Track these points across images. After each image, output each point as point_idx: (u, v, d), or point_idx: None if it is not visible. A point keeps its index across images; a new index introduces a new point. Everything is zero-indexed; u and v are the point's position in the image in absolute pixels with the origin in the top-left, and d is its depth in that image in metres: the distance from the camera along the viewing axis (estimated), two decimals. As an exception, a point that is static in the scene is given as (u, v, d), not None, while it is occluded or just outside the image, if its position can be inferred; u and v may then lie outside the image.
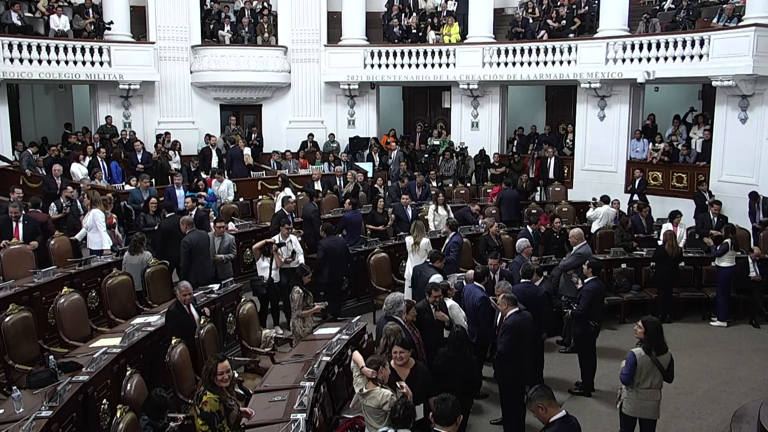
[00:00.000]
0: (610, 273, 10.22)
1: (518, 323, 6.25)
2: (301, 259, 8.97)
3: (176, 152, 14.52)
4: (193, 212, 9.90)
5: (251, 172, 14.25)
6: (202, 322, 6.71)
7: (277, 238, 8.86)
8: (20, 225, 9.07)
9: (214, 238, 8.96)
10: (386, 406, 4.86)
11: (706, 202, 12.28)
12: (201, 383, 5.01)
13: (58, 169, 11.64)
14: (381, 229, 10.97)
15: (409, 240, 9.21)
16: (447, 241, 9.42)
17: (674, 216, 10.90)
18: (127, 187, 12.30)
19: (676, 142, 14.73)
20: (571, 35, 15.65)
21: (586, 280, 7.67)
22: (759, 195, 11.94)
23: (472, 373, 6.51)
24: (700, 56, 13.21)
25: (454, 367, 5.90)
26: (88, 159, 13.27)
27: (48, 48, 14.10)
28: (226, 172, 13.49)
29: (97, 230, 9.44)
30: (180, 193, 11.34)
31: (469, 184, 15.22)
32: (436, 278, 7.51)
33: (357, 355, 5.32)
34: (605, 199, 11.87)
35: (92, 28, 15.02)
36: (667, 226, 10.73)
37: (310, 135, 16.63)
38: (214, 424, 4.76)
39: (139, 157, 13.81)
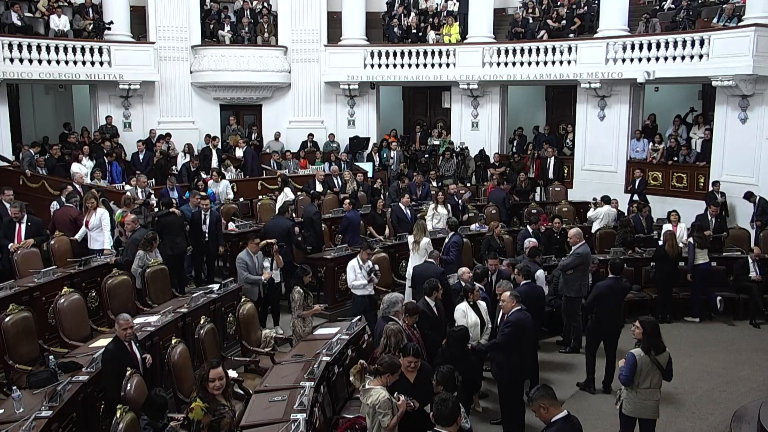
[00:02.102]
0: (610, 273, 10.21)
1: (521, 320, 6.29)
2: (376, 279, 8.63)
3: (185, 154, 14.46)
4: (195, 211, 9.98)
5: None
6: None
7: (357, 260, 8.42)
8: (23, 227, 9.01)
9: (252, 254, 8.52)
10: (378, 407, 4.86)
11: (718, 203, 12.22)
12: (194, 388, 5.00)
13: (81, 176, 11.74)
14: (380, 238, 10.91)
15: (410, 239, 9.23)
16: (447, 240, 9.43)
17: (669, 215, 10.94)
18: (127, 187, 12.28)
19: (681, 141, 14.74)
20: (571, 35, 15.64)
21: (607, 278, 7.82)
22: (754, 194, 11.89)
23: (472, 373, 6.52)
24: (700, 56, 13.20)
25: (454, 366, 5.89)
26: (86, 159, 13.26)
27: (48, 48, 14.08)
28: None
29: (102, 230, 9.45)
30: (174, 195, 11.36)
31: (469, 184, 15.21)
32: (541, 273, 7.89)
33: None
34: (606, 200, 11.87)
35: (91, 28, 15.01)
36: (668, 227, 10.74)
37: (310, 135, 16.63)
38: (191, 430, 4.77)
39: (141, 157, 13.81)
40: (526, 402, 6.53)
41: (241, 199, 12.65)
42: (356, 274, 8.34)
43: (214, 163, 14.20)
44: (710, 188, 12.95)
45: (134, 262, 8.43)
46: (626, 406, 5.78)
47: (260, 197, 12.52)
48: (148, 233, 8.71)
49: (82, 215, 9.92)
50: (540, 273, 8.14)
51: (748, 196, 11.88)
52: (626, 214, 12.44)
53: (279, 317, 9.11)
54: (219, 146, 15.11)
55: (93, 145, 14.12)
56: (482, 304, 7.16)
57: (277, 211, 10.30)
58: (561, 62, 15.19)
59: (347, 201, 11.00)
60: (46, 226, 9.62)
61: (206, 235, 9.87)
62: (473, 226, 11.34)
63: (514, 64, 15.75)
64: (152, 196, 11.56)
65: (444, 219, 10.99)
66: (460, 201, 12.12)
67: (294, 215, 11.53)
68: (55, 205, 10.60)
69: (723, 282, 10.31)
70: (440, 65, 16.45)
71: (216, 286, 8.25)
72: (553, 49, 15.27)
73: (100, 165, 13.00)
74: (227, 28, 16.46)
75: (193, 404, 4.81)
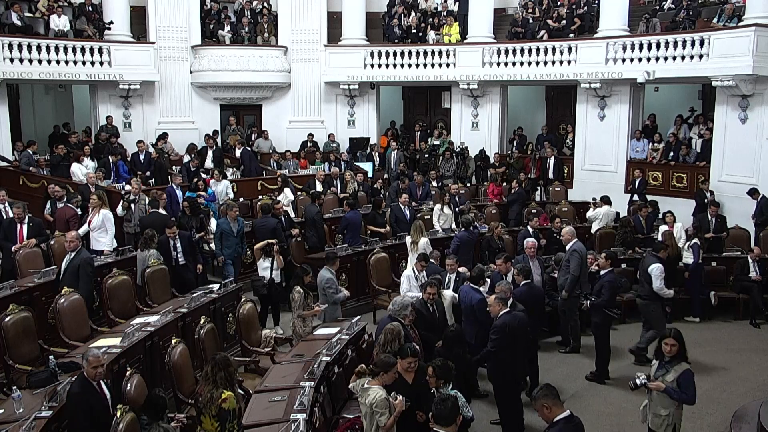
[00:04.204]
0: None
1: (508, 323, 6.26)
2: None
3: (190, 154, 14.40)
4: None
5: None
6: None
7: (412, 270, 8.13)
8: (24, 227, 9.02)
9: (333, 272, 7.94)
10: (375, 406, 4.86)
11: (705, 200, 12.32)
12: (211, 383, 4.91)
13: (92, 176, 11.74)
14: (382, 231, 10.95)
15: (408, 239, 9.24)
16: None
17: (665, 216, 10.96)
18: (127, 188, 12.27)
19: (682, 138, 14.74)
20: (571, 35, 15.65)
21: (603, 271, 7.99)
22: (758, 192, 11.82)
23: (466, 373, 6.52)
24: (700, 56, 13.21)
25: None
26: (87, 159, 13.26)
27: (48, 48, 14.06)
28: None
29: (105, 231, 9.43)
30: (179, 193, 11.35)
31: (469, 184, 15.22)
32: (656, 267, 8.07)
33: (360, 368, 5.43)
34: (605, 200, 11.87)
35: (92, 27, 15.00)
36: (664, 227, 10.74)
37: (310, 135, 16.63)
38: (226, 423, 4.74)
39: (142, 158, 13.81)
40: (526, 402, 6.59)
41: (241, 199, 12.66)
42: (410, 285, 8.08)
43: (210, 163, 14.23)
44: (707, 187, 13.00)
45: (139, 262, 8.44)
46: (677, 422, 5.45)
47: (260, 197, 12.53)
48: (147, 232, 8.70)
49: (77, 215, 9.92)
50: (656, 266, 8.19)
51: (752, 192, 11.86)
52: (626, 214, 12.44)
53: (279, 317, 9.12)
54: (215, 146, 15.10)
55: (99, 144, 14.11)
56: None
57: (262, 211, 10.24)
58: (561, 62, 15.20)
59: (345, 202, 11.04)
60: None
61: (177, 261, 8.86)
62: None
63: (514, 64, 15.75)
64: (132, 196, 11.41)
65: (450, 219, 11.02)
66: (458, 200, 12.13)
67: (294, 215, 11.61)
68: (47, 209, 10.58)
69: (723, 282, 10.31)
70: (440, 65, 16.45)
71: (216, 286, 8.25)
72: (553, 49, 15.27)
73: (105, 165, 12.99)
74: (227, 28, 16.46)
75: (224, 395, 4.80)
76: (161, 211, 10.21)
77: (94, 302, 8.10)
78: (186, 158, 14.31)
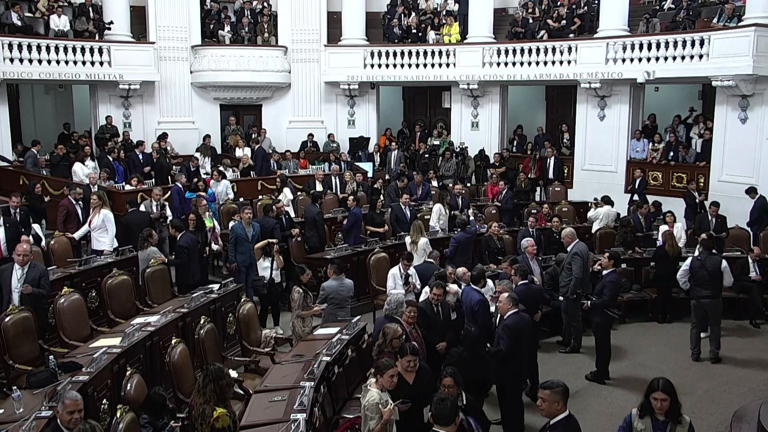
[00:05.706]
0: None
1: (517, 323, 6.25)
2: (417, 286, 8.33)
3: (203, 154, 14.42)
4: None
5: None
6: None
7: (398, 268, 8.26)
8: (1, 230, 8.66)
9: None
10: (366, 409, 4.85)
11: (696, 200, 12.31)
12: (204, 396, 4.75)
13: (94, 176, 11.75)
14: (380, 231, 10.97)
15: (407, 240, 9.24)
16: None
17: (665, 216, 10.95)
18: (127, 187, 12.29)
19: (680, 136, 14.73)
20: (571, 35, 15.65)
21: (606, 271, 7.96)
22: (756, 191, 11.77)
23: (485, 374, 6.51)
24: (700, 56, 13.22)
25: (468, 367, 5.88)
26: (88, 159, 13.27)
27: (48, 48, 14.06)
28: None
29: (105, 231, 9.43)
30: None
31: (469, 184, 15.21)
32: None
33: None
34: (606, 200, 11.87)
35: (92, 28, 15.01)
36: (664, 227, 10.74)
37: (310, 135, 16.63)
38: None
39: (142, 158, 13.81)
40: (527, 402, 6.60)
41: (241, 199, 12.66)
42: (396, 282, 8.21)
43: (209, 163, 14.22)
44: (694, 187, 12.99)
45: (141, 262, 8.47)
46: None
47: (260, 197, 12.54)
48: (144, 231, 8.70)
49: (65, 205, 9.93)
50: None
51: (750, 191, 11.82)
52: (626, 214, 12.43)
53: (279, 317, 9.12)
54: (211, 146, 15.12)
55: (112, 142, 14.18)
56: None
57: (264, 211, 10.25)
58: (561, 62, 15.20)
59: (351, 198, 11.06)
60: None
61: None
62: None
63: (514, 64, 15.75)
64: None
65: (447, 220, 11.02)
66: (461, 202, 12.13)
67: (294, 214, 11.61)
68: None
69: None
70: (440, 65, 16.46)
71: (216, 286, 8.25)
72: (553, 49, 15.28)
73: (107, 165, 12.99)
74: (227, 28, 16.46)
75: (215, 413, 4.64)
76: (142, 208, 10.32)
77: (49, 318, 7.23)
78: (200, 158, 14.24)
